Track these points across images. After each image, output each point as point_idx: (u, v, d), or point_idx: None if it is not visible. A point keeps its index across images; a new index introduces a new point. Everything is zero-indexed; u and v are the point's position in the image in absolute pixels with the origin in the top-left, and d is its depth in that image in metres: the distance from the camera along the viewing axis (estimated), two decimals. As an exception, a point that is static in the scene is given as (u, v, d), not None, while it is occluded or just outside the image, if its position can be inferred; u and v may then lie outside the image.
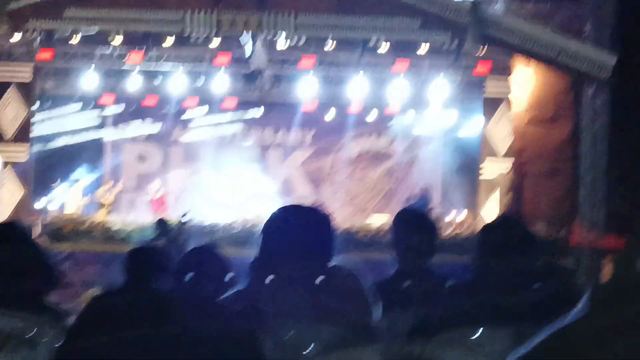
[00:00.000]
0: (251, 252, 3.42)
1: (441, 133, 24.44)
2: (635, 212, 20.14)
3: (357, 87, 23.45)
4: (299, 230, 3.13)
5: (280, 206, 3.32)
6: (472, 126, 23.64)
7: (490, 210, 22.42)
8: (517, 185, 22.19)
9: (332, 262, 3.17)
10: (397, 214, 4.54)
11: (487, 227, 4.10)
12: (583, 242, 20.33)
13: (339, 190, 25.08)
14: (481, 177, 22.85)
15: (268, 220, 3.24)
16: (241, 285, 3.20)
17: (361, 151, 25.44)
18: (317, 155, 25.47)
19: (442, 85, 23.24)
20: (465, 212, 23.00)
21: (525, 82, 22.26)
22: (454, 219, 22.96)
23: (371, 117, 24.84)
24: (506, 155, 22.74)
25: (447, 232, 20.84)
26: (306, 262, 2.99)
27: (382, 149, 25.35)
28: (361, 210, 24.24)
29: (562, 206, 21.14)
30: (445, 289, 3.95)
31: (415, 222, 4.45)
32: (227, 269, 4.41)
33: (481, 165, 22.87)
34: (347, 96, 23.66)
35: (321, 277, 3.07)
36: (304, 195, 24.70)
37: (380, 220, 22.51)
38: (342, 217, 22.14)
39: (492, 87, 22.90)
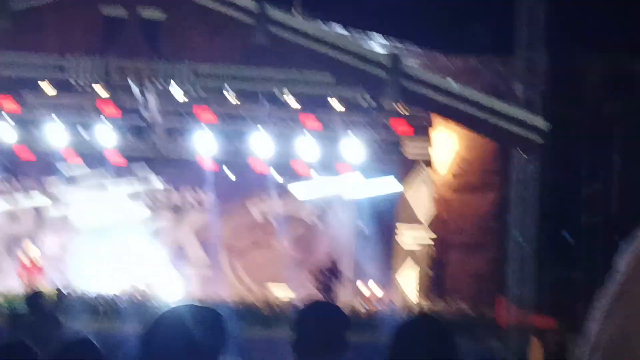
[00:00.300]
0: (138, 328, 3.44)
1: (354, 196, 22.85)
2: (565, 290, 19.94)
3: (262, 144, 21.69)
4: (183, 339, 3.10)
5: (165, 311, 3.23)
6: (389, 190, 22.47)
7: (408, 283, 21.97)
8: (438, 258, 21.61)
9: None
10: (302, 310, 4.08)
11: (402, 329, 3.72)
12: (510, 321, 19.58)
13: (238, 258, 23.38)
14: (398, 246, 22.16)
15: (151, 329, 3.19)
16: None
17: (265, 214, 23.57)
18: (214, 218, 23.28)
19: (356, 144, 21.77)
20: (379, 285, 21.96)
21: (449, 144, 21.62)
22: (368, 293, 21.80)
23: (277, 177, 22.93)
24: (426, 223, 22.19)
25: (359, 308, 19.90)
26: None
27: (288, 213, 23.45)
28: (261, 281, 22.75)
29: (487, 282, 20.65)
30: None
31: (322, 318, 3.99)
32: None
33: (397, 232, 22.15)
34: (251, 153, 21.93)
35: None
36: (198, 263, 23.18)
37: (281, 292, 21.53)
38: (241, 288, 21.15)
39: (411, 148, 22.22)
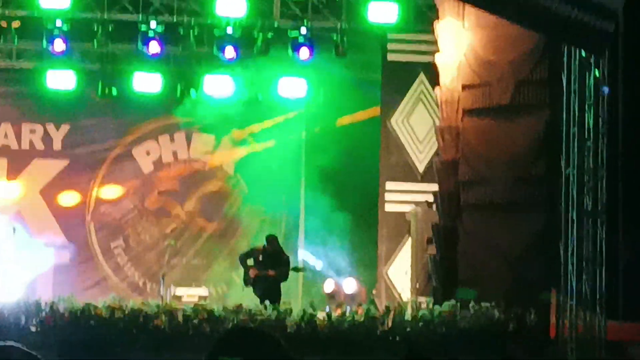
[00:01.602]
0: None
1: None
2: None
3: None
4: None
5: None
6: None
7: (398, 269, 19.53)
8: (446, 229, 17.63)
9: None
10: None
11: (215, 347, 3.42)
12: (565, 330, 16.42)
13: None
14: (383, 213, 20.08)
15: None
16: None
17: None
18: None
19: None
20: (354, 281, 20.20)
21: (463, 40, 17.74)
22: (330, 288, 20.19)
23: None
24: (425, 172, 19.83)
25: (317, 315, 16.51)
26: None
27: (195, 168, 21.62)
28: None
29: (528, 269, 16.65)
30: None
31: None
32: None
33: (381, 192, 20.16)
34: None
35: None
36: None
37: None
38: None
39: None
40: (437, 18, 17.79)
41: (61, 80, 19.18)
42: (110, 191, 20.97)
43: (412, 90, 19.88)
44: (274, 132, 20.74)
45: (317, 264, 19.86)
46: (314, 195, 20.05)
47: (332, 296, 19.21)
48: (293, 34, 18.53)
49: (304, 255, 20.01)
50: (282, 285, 16.87)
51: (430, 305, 16.31)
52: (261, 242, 17.45)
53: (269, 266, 16.69)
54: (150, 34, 18.05)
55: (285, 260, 17.08)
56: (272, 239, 17.31)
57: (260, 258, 16.96)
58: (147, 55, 18.36)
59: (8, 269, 19.45)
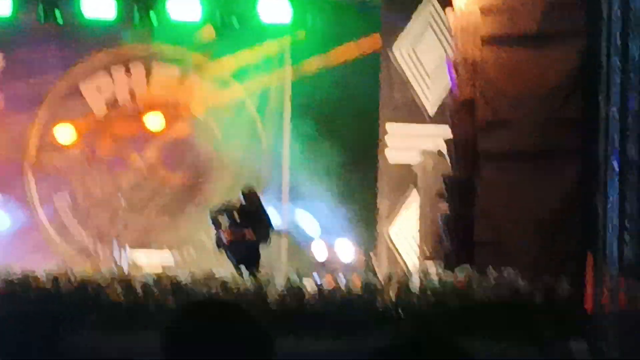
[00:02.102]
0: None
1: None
2: None
3: None
4: None
5: None
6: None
7: (402, 231, 18.94)
8: (461, 183, 16.36)
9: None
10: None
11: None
12: (606, 304, 15.08)
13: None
14: (385, 163, 19.30)
15: None
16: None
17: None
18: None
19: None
20: (348, 244, 19.28)
21: None
22: (323, 255, 19.05)
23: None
24: (435, 114, 18.89)
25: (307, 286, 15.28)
26: None
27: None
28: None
29: (561, 231, 15.62)
30: None
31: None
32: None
33: (382, 138, 19.39)
34: None
35: None
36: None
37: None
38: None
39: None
40: None
41: (-6, 4, 17.72)
42: (54, 135, 19.34)
43: (418, 14, 18.57)
44: (251, 67, 19.28)
45: (304, 223, 18.56)
46: (300, 141, 18.84)
47: (322, 263, 17.91)
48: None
49: (288, 212, 18.77)
50: (262, 249, 15.61)
51: (442, 274, 14.89)
52: (237, 197, 16.13)
53: (247, 226, 15.43)
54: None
55: (266, 219, 15.81)
56: (250, 194, 16.04)
57: (236, 216, 15.66)
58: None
59: None
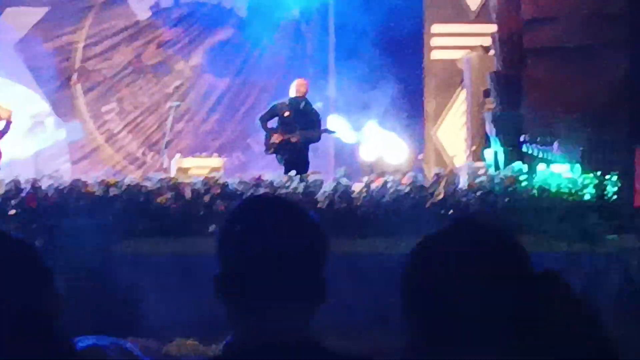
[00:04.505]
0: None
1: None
2: None
3: None
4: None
5: None
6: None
7: (450, 133, 18.53)
8: (509, 79, 15.76)
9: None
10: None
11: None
12: None
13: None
14: (429, 63, 18.65)
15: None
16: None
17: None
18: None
19: None
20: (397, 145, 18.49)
21: None
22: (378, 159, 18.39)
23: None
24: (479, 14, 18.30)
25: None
26: None
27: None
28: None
29: (610, 127, 14.89)
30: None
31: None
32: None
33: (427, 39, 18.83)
34: None
35: None
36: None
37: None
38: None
39: None
40: None
41: None
42: (100, 44, 19.07)
43: None
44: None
45: (351, 128, 18.03)
46: (346, 43, 18.29)
47: (370, 165, 17.37)
48: None
49: (334, 119, 18.16)
50: (312, 151, 15.26)
51: (490, 171, 14.64)
52: (284, 100, 15.74)
53: (296, 127, 15.08)
54: None
55: (316, 119, 15.43)
56: (298, 95, 15.56)
57: (286, 117, 15.29)
58: None
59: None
